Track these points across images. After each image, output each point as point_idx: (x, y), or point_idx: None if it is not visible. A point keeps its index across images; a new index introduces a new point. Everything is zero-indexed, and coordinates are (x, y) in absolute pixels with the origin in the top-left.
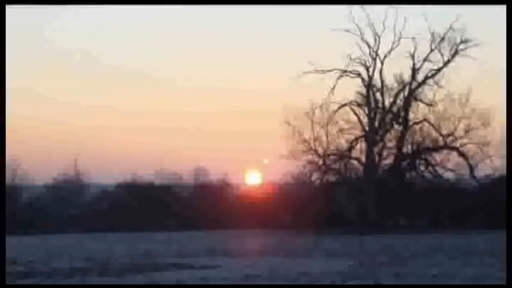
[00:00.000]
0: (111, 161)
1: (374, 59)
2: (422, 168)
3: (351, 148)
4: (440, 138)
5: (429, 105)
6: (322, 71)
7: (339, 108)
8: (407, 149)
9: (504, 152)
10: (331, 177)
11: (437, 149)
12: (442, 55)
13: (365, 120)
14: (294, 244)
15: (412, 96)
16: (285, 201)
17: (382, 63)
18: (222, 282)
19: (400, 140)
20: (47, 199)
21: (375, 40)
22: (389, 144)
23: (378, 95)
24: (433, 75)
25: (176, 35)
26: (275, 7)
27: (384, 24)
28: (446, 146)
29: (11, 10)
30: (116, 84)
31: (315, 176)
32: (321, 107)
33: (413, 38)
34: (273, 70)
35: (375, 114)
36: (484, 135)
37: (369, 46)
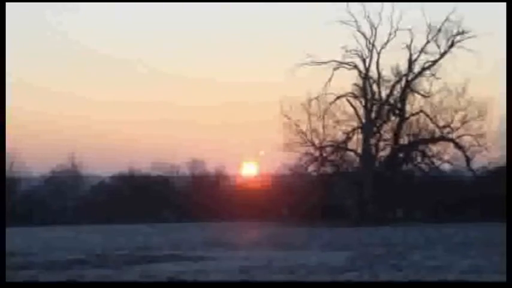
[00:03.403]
0: (108, 152)
1: (370, 51)
2: (418, 159)
3: (347, 140)
4: (437, 130)
5: (426, 96)
6: (319, 62)
7: (336, 99)
8: (404, 140)
9: (501, 143)
10: (328, 169)
11: (433, 140)
12: (438, 46)
13: (361, 111)
14: (291, 236)
15: (408, 88)
16: (281, 193)
17: (378, 54)
18: (218, 274)
19: (397, 131)
20: (45, 191)
21: (372, 32)
22: (385, 136)
23: (375, 86)
24: (429, 67)
25: (174, 29)
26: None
27: (380, 15)
28: (442, 138)
29: (11, 4)
30: (114, 76)
31: (311, 168)
32: (317, 98)
33: (409, 30)
34: (270, 62)
35: (372, 105)
36: (481, 126)
37: (365, 38)
